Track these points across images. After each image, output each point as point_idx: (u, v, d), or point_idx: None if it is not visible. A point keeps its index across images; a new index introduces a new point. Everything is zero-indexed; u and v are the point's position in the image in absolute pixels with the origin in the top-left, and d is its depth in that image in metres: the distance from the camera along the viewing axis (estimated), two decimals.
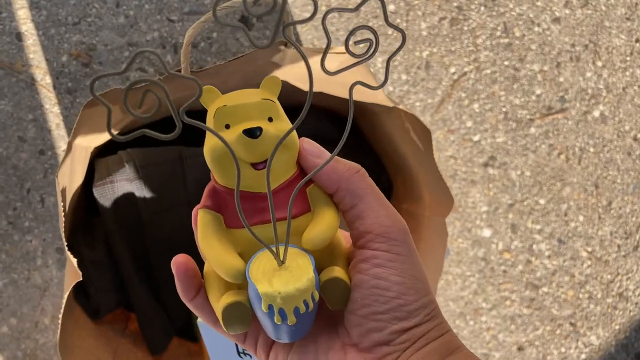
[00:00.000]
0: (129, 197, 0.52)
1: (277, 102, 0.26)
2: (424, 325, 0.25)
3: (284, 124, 0.26)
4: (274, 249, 0.25)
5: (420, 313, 0.25)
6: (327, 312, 0.27)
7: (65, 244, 0.38)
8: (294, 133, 0.26)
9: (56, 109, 0.70)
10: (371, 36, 0.22)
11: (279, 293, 0.23)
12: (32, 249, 0.68)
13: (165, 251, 0.56)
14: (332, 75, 0.22)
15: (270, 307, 0.24)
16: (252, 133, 0.24)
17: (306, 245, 0.25)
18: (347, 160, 0.27)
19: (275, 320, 0.24)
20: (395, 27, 0.23)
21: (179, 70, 0.43)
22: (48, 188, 0.69)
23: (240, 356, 0.41)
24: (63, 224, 0.39)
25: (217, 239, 0.26)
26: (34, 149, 0.69)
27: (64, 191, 0.42)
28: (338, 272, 0.26)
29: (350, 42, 0.22)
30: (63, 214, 0.39)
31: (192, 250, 0.58)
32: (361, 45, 0.62)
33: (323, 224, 0.25)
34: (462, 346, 0.26)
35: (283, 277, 0.24)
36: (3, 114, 0.68)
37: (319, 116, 0.58)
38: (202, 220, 0.27)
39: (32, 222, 0.69)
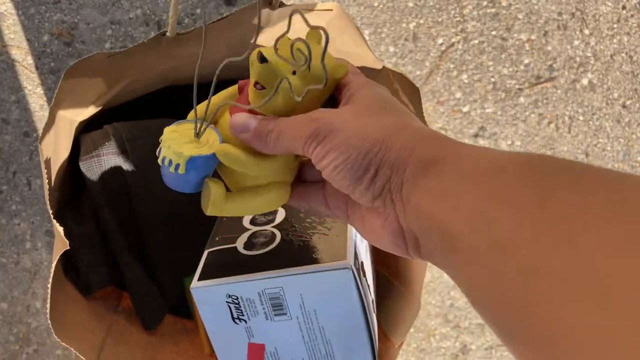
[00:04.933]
0: (116, 170, 0.51)
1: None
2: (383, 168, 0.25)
3: (300, 82, 0.29)
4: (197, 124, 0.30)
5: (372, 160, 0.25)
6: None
7: (51, 211, 0.37)
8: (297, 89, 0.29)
9: (39, 90, 0.68)
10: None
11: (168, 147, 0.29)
12: (20, 233, 0.67)
13: (155, 226, 0.55)
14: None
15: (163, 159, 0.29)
16: (261, 57, 0.28)
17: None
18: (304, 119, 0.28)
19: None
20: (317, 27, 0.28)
21: (164, 33, 0.42)
22: (34, 170, 0.67)
23: (235, 322, 0.41)
24: (48, 194, 0.38)
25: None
26: (18, 131, 0.67)
27: (48, 162, 0.41)
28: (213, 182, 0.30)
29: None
30: (47, 183, 0.38)
31: (182, 224, 0.58)
32: None
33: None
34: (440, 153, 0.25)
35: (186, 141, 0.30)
36: None
37: None
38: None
39: (20, 205, 0.67)
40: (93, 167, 0.50)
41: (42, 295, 0.67)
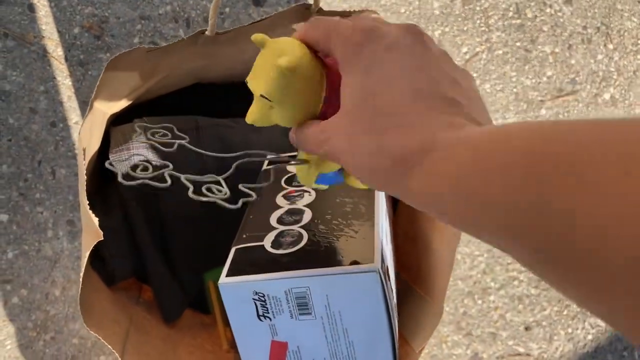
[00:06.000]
0: (145, 164, 0.52)
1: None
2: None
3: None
4: None
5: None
6: None
7: (87, 202, 0.38)
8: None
9: (68, 81, 0.69)
10: None
11: None
12: (42, 221, 0.68)
13: (179, 223, 0.56)
14: None
15: None
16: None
17: None
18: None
19: None
20: None
21: (203, 32, 0.42)
22: (59, 160, 0.68)
23: (260, 319, 0.41)
24: (85, 183, 0.39)
25: None
26: (46, 120, 0.68)
27: (85, 150, 0.42)
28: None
29: None
30: (85, 174, 0.39)
31: (205, 221, 0.58)
32: None
33: None
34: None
35: None
36: (15, 85, 0.68)
37: None
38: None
39: (43, 194, 0.68)
40: (122, 160, 0.51)
41: (62, 283, 0.68)
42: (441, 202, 0.21)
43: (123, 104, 0.49)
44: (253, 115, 0.29)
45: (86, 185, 0.49)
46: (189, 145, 0.36)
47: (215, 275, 0.60)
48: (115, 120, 0.55)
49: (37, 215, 0.68)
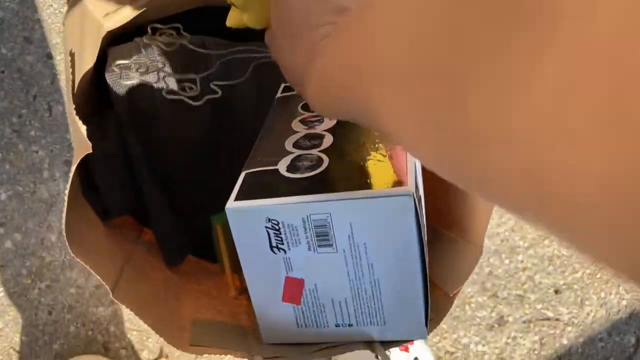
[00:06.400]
0: (145, 88, 0.46)
1: None
2: None
3: None
4: None
5: None
6: None
7: (73, 106, 0.32)
8: None
9: (66, 9, 0.63)
10: None
11: None
12: (38, 161, 0.63)
13: (182, 159, 0.50)
14: None
15: None
16: None
17: None
18: None
19: None
20: None
21: None
22: (55, 95, 0.63)
23: (273, 251, 0.36)
24: (71, 87, 0.33)
25: None
26: (41, 51, 0.63)
27: (72, 55, 0.36)
28: None
29: None
30: (71, 73, 0.34)
31: (212, 159, 0.53)
32: None
33: None
34: None
35: None
36: (7, 12, 0.62)
37: None
38: None
39: (39, 132, 0.63)
40: (120, 81, 0.46)
41: (58, 228, 0.63)
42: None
43: (120, 15, 0.43)
44: (229, 20, 0.33)
45: (81, 104, 0.43)
46: (190, 46, 0.31)
47: (224, 219, 0.55)
48: (112, 43, 0.49)
49: (32, 154, 0.63)
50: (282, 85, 0.51)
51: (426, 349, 0.64)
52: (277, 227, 0.35)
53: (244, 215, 0.35)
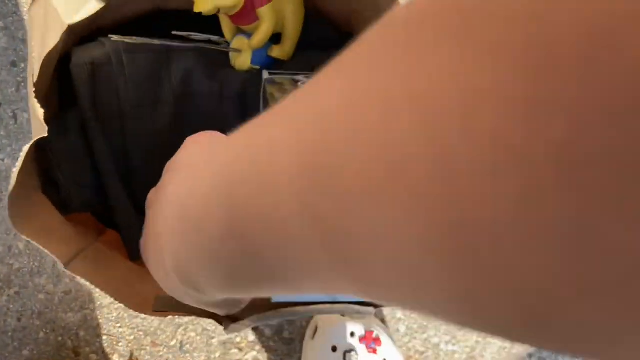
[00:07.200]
0: (109, 81, 0.47)
1: None
2: None
3: None
4: None
5: None
6: None
7: (33, 90, 0.33)
8: None
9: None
10: None
11: None
12: (4, 169, 0.64)
13: (147, 155, 0.51)
14: None
15: None
16: None
17: None
18: None
19: None
20: None
21: None
22: (21, 103, 0.63)
23: None
24: (35, 77, 0.34)
25: None
26: (5, 60, 0.63)
27: (35, 49, 0.37)
28: None
29: None
30: (39, 70, 0.34)
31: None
32: None
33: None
34: None
35: None
36: None
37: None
38: None
39: (5, 140, 0.64)
40: (83, 74, 0.46)
41: None
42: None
43: (84, 12, 0.43)
44: (198, 6, 0.39)
45: (43, 101, 0.43)
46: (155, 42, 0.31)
47: None
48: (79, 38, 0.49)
49: None
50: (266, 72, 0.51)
51: (395, 351, 0.64)
52: None
53: None
